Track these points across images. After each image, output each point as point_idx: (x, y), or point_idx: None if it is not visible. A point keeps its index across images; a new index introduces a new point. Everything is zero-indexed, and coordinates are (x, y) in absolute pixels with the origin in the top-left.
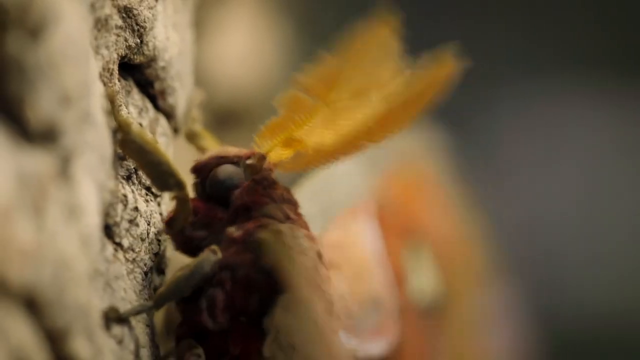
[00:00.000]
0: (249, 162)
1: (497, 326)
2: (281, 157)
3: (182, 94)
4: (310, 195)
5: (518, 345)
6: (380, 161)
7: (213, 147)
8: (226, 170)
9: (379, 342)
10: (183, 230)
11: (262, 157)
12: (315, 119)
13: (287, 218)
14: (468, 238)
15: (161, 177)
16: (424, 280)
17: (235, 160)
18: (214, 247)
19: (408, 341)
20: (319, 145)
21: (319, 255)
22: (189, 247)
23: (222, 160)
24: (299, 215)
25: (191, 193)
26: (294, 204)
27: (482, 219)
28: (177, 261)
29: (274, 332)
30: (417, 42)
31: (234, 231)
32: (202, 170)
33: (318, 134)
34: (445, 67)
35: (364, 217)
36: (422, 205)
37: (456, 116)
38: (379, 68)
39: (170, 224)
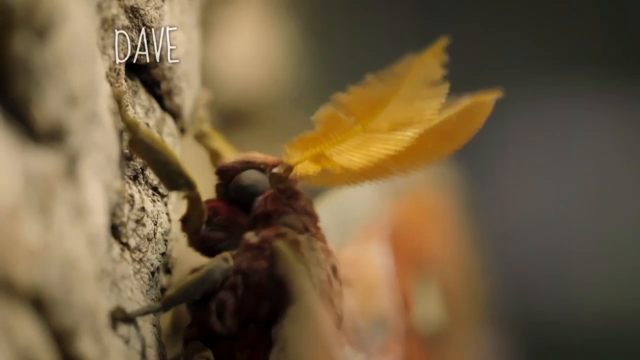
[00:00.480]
0: (275, 170)
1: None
2: (307, 171)
3: (189, 94)
4: (327, 211)
5: None
6: (396, 184)
7: (222, 147)
8: (251, 176)
9: None
10: (199, 229)
11: (289, 168)
12: (348, 140)
13: (306, 230)
14: (471, 271)
15: (170, 176)
16: (428, 307)
17: (261, 167)
18: (226, 254)
19: None
20: (347, 165)
21: (334, 270)
22: (205, 247)
23: (248, 165)
24: (317, 228)
25: (208, 194)
26: (314, 217)
27: (483, 251)
28: (185, 261)
29: (282, 342)
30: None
31: (251, 237)
32: (227, 173)
33: (348, 154)
34: (480, 102)
35: (378, 238)
36: (432, 233)
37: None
38: (422, 101)
39: (185, 222)
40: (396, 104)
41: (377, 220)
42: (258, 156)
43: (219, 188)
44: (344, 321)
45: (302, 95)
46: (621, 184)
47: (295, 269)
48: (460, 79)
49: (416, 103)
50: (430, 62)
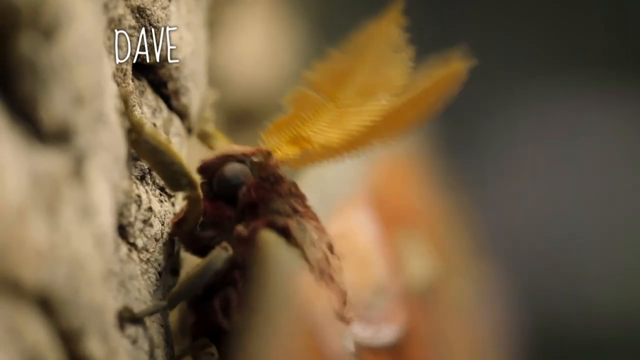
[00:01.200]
0: (255, 159)
1: (485, 308)
2: (287, 155)
3: (196, 94)
4: (307, 188)
5: (504, 328)
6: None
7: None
8: (233, 168)
9: (391, 329)
10: (192, 230)
11: (269, 154)
12: (322, 117)
13: (295, 212)
14: (452, 221)
15: (174, 177)
16: (420, 264)
17: (241, 159)
18: (225, 243)
19: (414, 326)
20: (325, 143)
21: (330, 247)
22: (198, 247)
23: (228, 158)
24: (307, 207)
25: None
26: (301, 198)
27: (467, 202)
28: (192, 261)
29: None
30: (427, 43)
31: (242, 229)
32: (208, 170)
33: (325, 132)
34: (453, 68)
35: (361, 206)
36: (412, 193)
37: (468, 116)
38: (387, 67)
39: (180, 224)
40: (362, 74)
41: (358, 188)
42: (236, 148)
43: (203, 186)
44: (348, 296)
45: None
46: (631, 183)
47: (275, 254)
48: (469, 79)
49: (382, 70)
50: (389, 26)
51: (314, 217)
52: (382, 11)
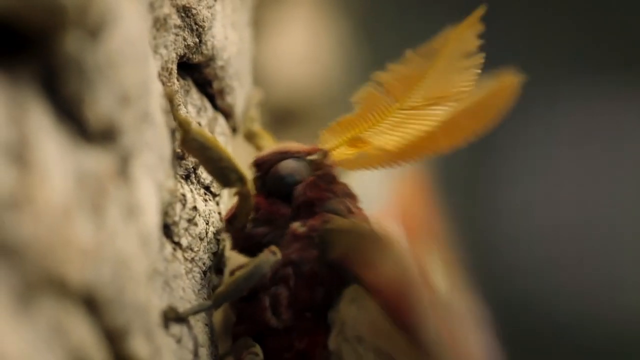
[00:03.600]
0: (311, 157)
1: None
2: (343, 155)
3: (241, 93)
4: None
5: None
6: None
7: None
8: (288, 165)
9: None
10: (244, 227)
11: (325, 154)
12: (386, 119)
13: (350, 212)
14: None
15: (223, 173)
16: (440, 281)
17: (297, 156)
18: (273, 248)
19: (447, 338)
20: (383, 147)
21: None
22: (249, 245)
23: (284, 155)
24: (359, 209)
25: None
26: (354, 199)
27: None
28: (236, 260)
29: (339, 325)
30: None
31: (298, 227)
32: (263, 165)
33: (386, 137)
34: (506, 84)
35: (391, 219)
36: (429, 209)
37: (514, 115)
38: (459, 76)
39: (232, 221)
40: (432, 78)
41: (387, 201)
42: (293, 145)
43: (256, 181)
44: None
45: (352, 94)
46: None
47: (352, 248)
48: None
49: (451, 76)
50: (466, 33)
51: (366, 219)
52: (426, 11)
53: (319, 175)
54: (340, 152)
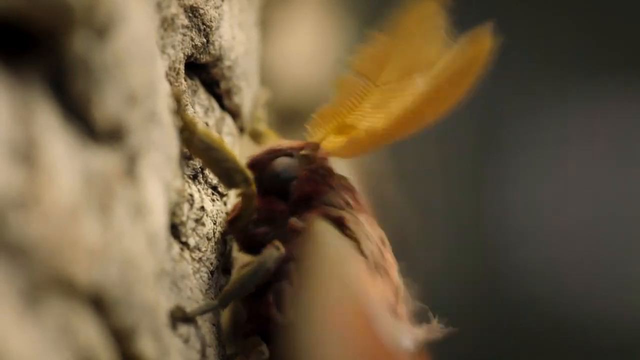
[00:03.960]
0: (303, 152)
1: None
2: (334, 145)
3: (248, 93)
4: None
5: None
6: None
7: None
8: (282, 162)
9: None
10: (246, 228)
11: (316, 146)
12: (366, 102)
13: (347, 204)
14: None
15: (228, 174)
16: None
17: (289, 152)
18: (276, 242)
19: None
20: (371, 129)
21: (383, 241)
22: (251, 244)
23: (276, 153)
24: (358, 201)
25: None
26: (352, 191)
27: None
28: (243, 260)
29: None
30: (468, 24)
31: (296, 222)
32: (257, 165)
33: (370, 117)
34: (480, 46)
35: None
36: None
37: (523, 114)
38: (427, 47)
39: (234, 222)
40: (400, 52)
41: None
42: (284, 142)
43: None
44: (402, 291)
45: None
46: None
47: (331, 252)
48: (522, 77)
49: (419, 47)
50: (426, 6)
51: (366, 211)
52: None
53: (313, 169)
54: (330, 142)
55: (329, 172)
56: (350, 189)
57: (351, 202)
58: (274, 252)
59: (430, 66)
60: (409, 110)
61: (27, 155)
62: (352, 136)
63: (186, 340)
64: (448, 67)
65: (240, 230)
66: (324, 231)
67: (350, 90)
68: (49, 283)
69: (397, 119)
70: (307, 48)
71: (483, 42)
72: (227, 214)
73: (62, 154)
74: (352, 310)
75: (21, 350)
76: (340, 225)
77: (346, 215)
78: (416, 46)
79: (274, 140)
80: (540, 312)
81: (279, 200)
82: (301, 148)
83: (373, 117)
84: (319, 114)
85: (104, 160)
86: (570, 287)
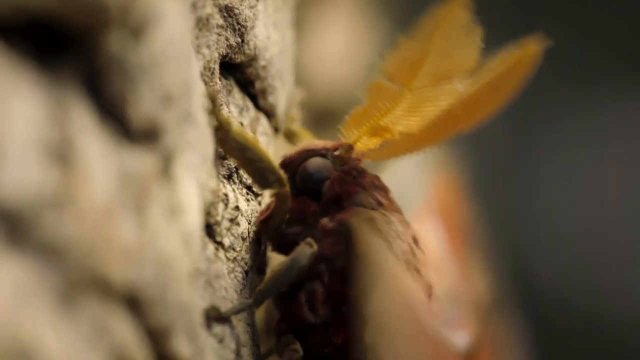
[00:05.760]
0: (336, 153)
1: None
2: (368, 146)
3: (283, 93)
4: None
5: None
6: (430, 162)
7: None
8: (315, 163)
9: (462, 336)
10: (278, 228)
11: (350, 147)
12: (400, 106)
13: (379, 204)
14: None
15: (262, 174)
16: (479, 280)
17: (322, 153)
18: (309, 239)
19: (481, 335)
20: (406, 132)
21: (415, 240)
22: (284, 244)
23: (309, 153)
24: (390, 201)
25: None
26: (384, 191)
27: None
28: (277, 260)
29: (374, 319)
30: (504, 33)
31: (327, 222)
32: (290, 165)
33: (404, 120)
34: (528, 52)
35: (430, 217)
36: (465, 206)
37: (553, 115)
38: (461, 52)
39: (267, 221)
40: (434, 58)
41: (426, 199)
42: (317, 142)
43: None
44: (433, 289)
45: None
46: None
47: (372, 242)
48: (552, 79)
49: (453, 52)
50: (457, 9)
51: (398, 210)
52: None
53: (346, 170)
54: (364, 144)
55: (362, 172)
56: (382, 189)
57: (383, 201)
58: (307, 249)
59: (466, 72)
60: (445, 115)
61: (62, 155)
62: (386, 139)
63: (221, 340)
64: (491, 74)
65: (272, 230)
66: (365, 232)
67: (384, 93)
68: (84, 283)
69: (432, 124)
70: (341, 48)
71: (530, 51)
72: (260, 212)
73: (98, 154)
74: (412, 309)
75: (56, 350)
76: (371, 225)
77: (377, 215)
78: (450, 51)
79: (308, 141)
80: (573, 313)
81: (311, 201)
82: (335, 149)
83: (407, 120)
84: (352, 116)
85: (140, 160)
86: (603, 287)
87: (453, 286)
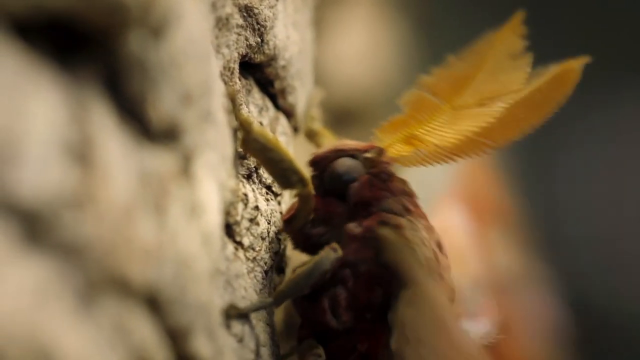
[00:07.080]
0: (367, 155)
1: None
2: (399, 153)
3: (302, 93)
4: None
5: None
6: None
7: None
8: (344, 163)
9: (485, 322)
10: (302, 227)
11: (381, 151)
12: (438, 120)
13: (407, 210)
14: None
15: (284, 174)
16: (507, 259)
17: (353, 154)
18: (334, 244)
19: (507, 318)
20: (439, 144)
21: (439, 245)
22: (307, 244)
23: (340, 153)
24: (417, 206)
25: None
26: (412, 196)
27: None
28: (297, 260)
29: (400, 327)
30: (540, 50)
31: (354, 228)
32: (320, 163)
33: (440, 134)
34: (567, 69)
35: (456, 202)
36: (493, 188)
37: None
38: (509, 76)
39: (291, 221)
40: (481, 80)
41: (452, 185)
42: (349, 143)
43: (313, 179)
44: (456, 294)
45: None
46: None
47: (404, 253)
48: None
49: (501, 77)
50: (509, 35)
51: (424, 216)
52: (486, 11)
53: (375, 173)
54: (395, 150)
55: (390, 176)
56: (409, 194)
57: (410, 207)
58: (331, 253)
59: (510, 96)
60: (482, 131)
61: (82, 154)
62: (419, 147)
63: (240, 340)
64: (531, 93)
65: (295, 229)
66: (394, 240)
67: (425, 105)
68: (103, 282)
69: (468, 140)
70: (360, 48)
71: (570, 72)
72: (281, 213)
73: (118, 154)
74: (441, 318)
75: (75, 350)
76: (398, 233)
77: (404, 223)
78: (498, 75)
79: (339, 140)
80: (593, 314)
81: (338, 202)
82: (366, 150)
83: (443, 134)
84: (390, 122)
85: (159, 159)
86: (624, 288)
87: (476, 273)
